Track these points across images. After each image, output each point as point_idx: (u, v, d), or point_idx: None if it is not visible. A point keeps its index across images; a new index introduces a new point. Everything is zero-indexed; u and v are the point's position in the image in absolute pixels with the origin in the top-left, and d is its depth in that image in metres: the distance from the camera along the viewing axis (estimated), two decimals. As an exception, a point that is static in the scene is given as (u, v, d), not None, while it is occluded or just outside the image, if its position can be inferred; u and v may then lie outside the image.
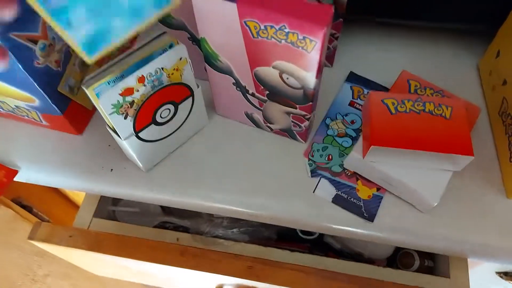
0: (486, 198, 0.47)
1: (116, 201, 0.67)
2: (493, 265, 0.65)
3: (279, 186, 0.48)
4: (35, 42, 0.40)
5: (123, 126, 0.41)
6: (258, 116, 0.50)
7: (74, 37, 0.27)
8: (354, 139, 0.50)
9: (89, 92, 0.36)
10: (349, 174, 0.49)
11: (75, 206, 1.06)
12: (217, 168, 0.50)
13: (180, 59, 0.40)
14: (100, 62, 0.52)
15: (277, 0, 0.34)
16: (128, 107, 0.39)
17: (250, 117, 0.51)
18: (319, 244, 0.67)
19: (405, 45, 0.60)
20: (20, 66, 0.39)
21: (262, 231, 0.66)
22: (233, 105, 0.50)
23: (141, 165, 0.48)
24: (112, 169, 0.50)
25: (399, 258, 0.63)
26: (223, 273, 0.49)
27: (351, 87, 0.55)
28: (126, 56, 0.38)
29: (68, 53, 0.46)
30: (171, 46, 0.39)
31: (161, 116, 0.44)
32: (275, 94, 0.44)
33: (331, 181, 0.48)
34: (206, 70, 0.46)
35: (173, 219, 0.68)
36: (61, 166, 0.51)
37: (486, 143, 0.51)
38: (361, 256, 0.64)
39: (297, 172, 0.49)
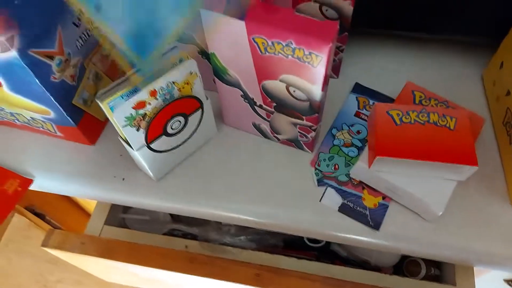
0: (491, 207, 0.48)
1: (126, 209, 0.69)
2: (501, 273, 0.65)
3: (287, 195, 0.49)
4: (52, 58, 0.41)
5: (136, 137, 0.42)
6: (265, 126, 0.51)
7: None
8: (360, 149, 0.51)
9: (104, 106, 0.38)
10: (355, 183, 0.49)
11: (86, 214, 1.07)
12: (225, 177, 0.50)
13: (191, 73, 0.41)
14: (112, 76, 0.53)
15: (284, 17, 0.35)
16: (141, 119, 0.41)
17: (257, 127, 0.52)
18: (326, 251, 0.68)
19: (410, 56, 0.60)
20: (37, 81, 0.41)
21: (269, 239, 0.66)
22: (241, 116, 0.51)
23: (152, 174, 0.49)
24: (123, 178, 0.51)
25: (406, 266, 0.64)
26: (231, 280, 0.50)
27: (356, 97, 0.56)
28: (138, 70, 0.40)
29: (82, 67, 0.47)
30: (181, 61, 0.41)
31: (172, 128, 0.45)
32: (282, 106, 0.45)
33: (338, 190, 0.49)
34: (215, 82, 0.47)
35: (182, 226, 0.69)
36: (75, 175, 0.52)
37: (491, 153, 0.51)
38: (367, 264, 0.64)
39: (304, 182, 0.50)
